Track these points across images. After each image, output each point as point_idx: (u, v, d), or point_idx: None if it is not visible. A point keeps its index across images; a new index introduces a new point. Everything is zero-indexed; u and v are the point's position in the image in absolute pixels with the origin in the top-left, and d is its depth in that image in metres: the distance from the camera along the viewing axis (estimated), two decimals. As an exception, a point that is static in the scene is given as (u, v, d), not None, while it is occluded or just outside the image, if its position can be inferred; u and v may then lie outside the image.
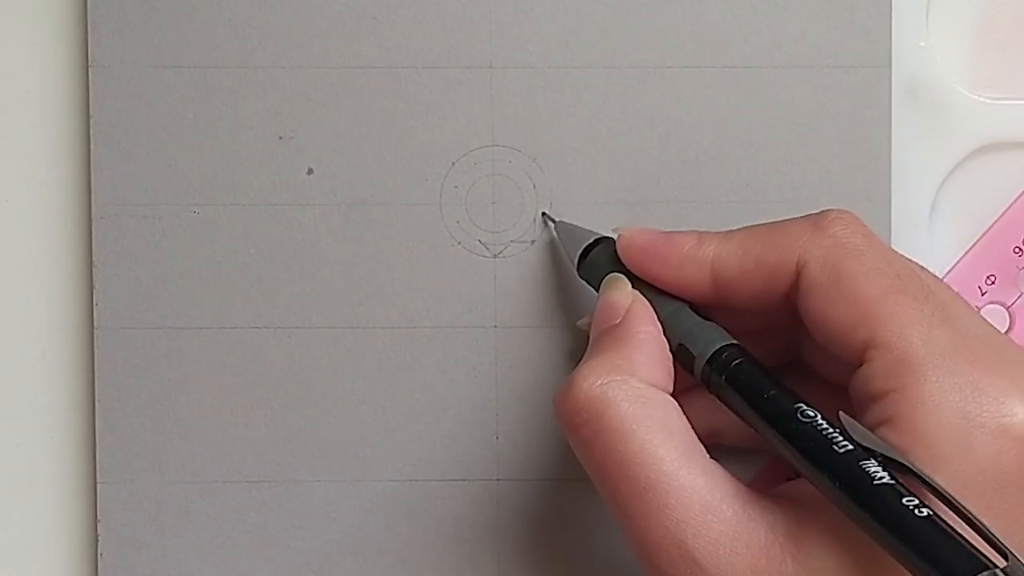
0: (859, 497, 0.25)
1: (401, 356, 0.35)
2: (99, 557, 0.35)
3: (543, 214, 0.35)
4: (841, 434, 0.26)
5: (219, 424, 0.35)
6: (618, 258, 0.32)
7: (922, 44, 0.36)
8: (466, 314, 0.35)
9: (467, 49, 0.35)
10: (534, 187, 0.35)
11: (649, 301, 0.30)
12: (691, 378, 0.30)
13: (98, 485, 0.35)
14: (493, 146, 0.35)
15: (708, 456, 0.28)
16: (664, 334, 0.30)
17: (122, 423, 0.35)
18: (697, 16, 0.35)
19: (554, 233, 0.34)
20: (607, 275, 0.31)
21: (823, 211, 0.29)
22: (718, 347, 0.29)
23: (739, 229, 0.30)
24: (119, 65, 0.35)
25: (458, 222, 0.35)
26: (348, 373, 0.35)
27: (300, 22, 0.35)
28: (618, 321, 0.29)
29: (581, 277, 0.33)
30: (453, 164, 0.35)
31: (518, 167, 0.35)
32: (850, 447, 0.26)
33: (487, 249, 0.35)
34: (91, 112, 0.35)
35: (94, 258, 0.35)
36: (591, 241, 0.33)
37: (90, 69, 0.35)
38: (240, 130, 0.35)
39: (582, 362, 0.29)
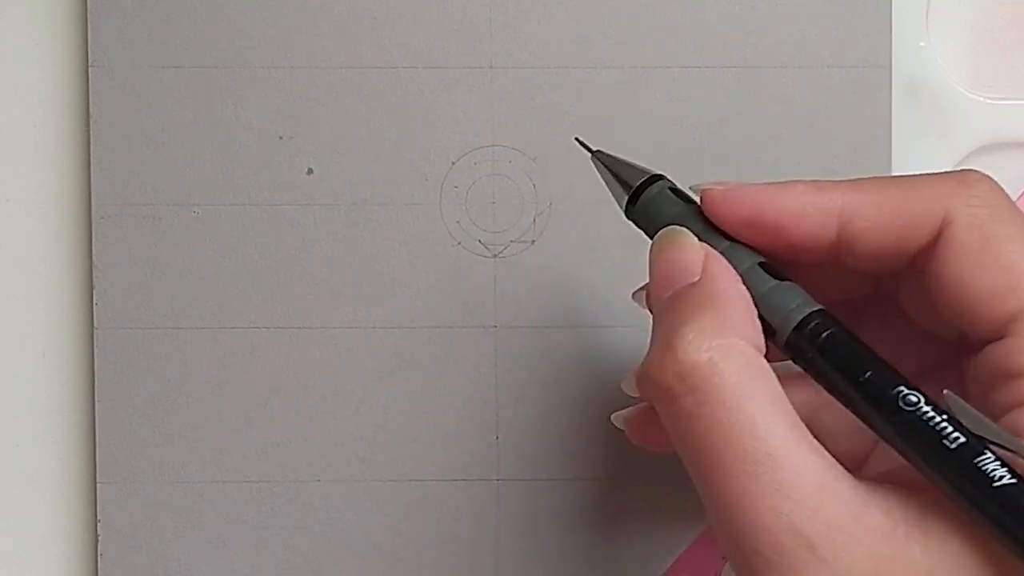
0: (978, 502, 0.23)
1: (401, 356, 0.35)
2: (99, 557, 0.35)
3: (576, 139, 0.31)
4: (950, 422, 0.24)
5: (219, 424, 0.35)
6: (680, 199, 0.28)
7: (922, 44, 0.36)
8: (466, 314, 0.35)
9: (467, 49, 0.35)
10: (534, 187, 0.35)
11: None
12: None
13: (98, 485, 0.35)
14: (493, 146, 0.35)
15: (812, 436, 0.25)
16: None
17: (122, 423, 0.35)
18: (697, 16, 0.35)
19: (592, 164, 0.30)
20: (664, 228, 0.28)
21: (966, 170, 0.27)
22: (805, 315, 0.26)
23: (867, 179, 0.27)
24: (119, 65, 0.35)
25: (458, 222, 0.35)
26: (348, 373, 0.35)
27: (300, 22, 0.35)
28: (696, 279, 0.26)
29: (629, 219, 0.29)
30: (453, 164, 0.35)
31: (518, 167, 0.35)
32: (963, 440, 0.23)
33: (487, 249, 0.35)
34: (91, 112, 0.35)
35: (94, 258, 0.35)
36: (643, 180, 0.29)
37: (90, 69, 0.35)
38: (240, 130, 0.35)
39: (670, 326, 0.25)
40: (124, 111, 0.35)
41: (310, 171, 0.35)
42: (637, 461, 0.35)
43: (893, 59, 0.35)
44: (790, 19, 0.35)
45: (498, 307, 0.35)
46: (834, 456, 0.24)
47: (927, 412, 0.24)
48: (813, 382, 0.26)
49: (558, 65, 0.35)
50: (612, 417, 0.31)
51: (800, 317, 0.26)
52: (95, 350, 0.35)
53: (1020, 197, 0.36)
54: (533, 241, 0.35)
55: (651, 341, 0.26)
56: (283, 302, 0.35)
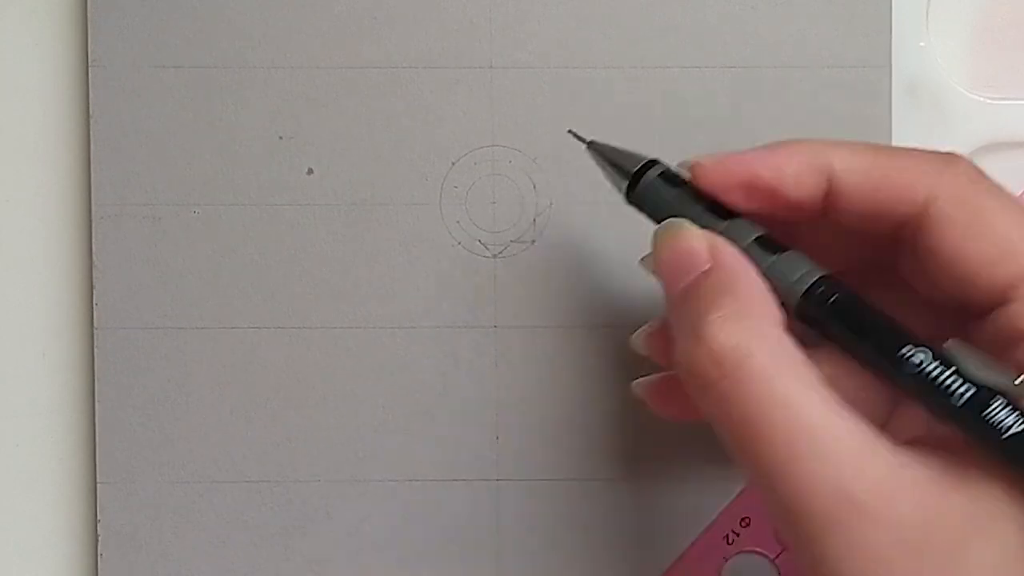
0: (994, 451, 0.24)
1: (401, 356, 0.35)
2: (99, 557, 0.35)
3: (570, 131, 0.32)
4: (957, 374, 0.25)
5: (219, 424, 0.35)
6: (676, 182, 0.29)
7: (922, 44, 0.36)
8: (466, 314, 0.35)
9: (467, 49, 0.35)
10: (534, 187, 0.35)
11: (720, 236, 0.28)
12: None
13: (98, 485, 0.35)
14: (493, 146, 0.35)
15: (844, 404, 0.26)
16: None
17: (122, 423, 0.35)
18: (697, 16, 0.35)
19: (589, 155, 0.31)
20: (665, 219, 0.28)
21: (950, 152, 0.28)
22: (813, 280, 0.27)
23: (858, 142, 0.28)
24: (119, 65, 0.35)
25: (458, 222, 0.35)
26: (348, 373, 0.35)
27: (300, 22, 0.35)
28: (707, 267, 0.27)
29: (631, 203, 0.30)
30: (453, 164, 0.35)
31: (518, 167, 0.35)
32: (968, 394, 0.24)
33: (487, 249, 0.35)
34: (91, 112, 0.35)
35: (94, 258, 0.35)
36: (640, 166, 0.29)
37: (90, 69, 0.35)
38: (240, 130, 0.35)
39: (695, 316, 0.26)
40: (124, 111, 0.35)
41: (310, 171, 0.35)
42: (637, 461, 0.35)
43: (893, 59, 0.35)
44: (790, 19, 0.35)
45: (498, 307, 0.35)
46: None
47: (932, 370, 0.25)
48: (828, 351, 0.27)
49: (558, 65, 0.35)
50: (632, 386, 0.32)
51: (807, 285, 0.27)
52: (95, 350, 0.35)
53: (1020, 196, 0.36)
54: (533, 241, 0.35)
55: (676, 332, 0.27)
56: (283, 302, 0.35)
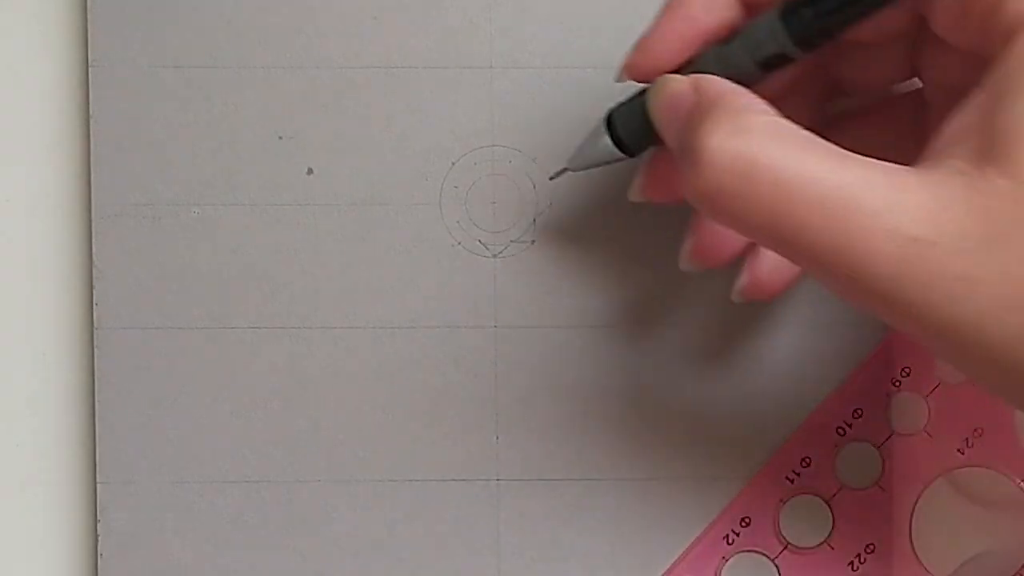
0: None
1: (401, 356, 0.35)
2: (99, 557, 0.35)
3: (551, 178, 0.34)
4: None
5: (219, 424, 0.35)
6: (633, 100, 0.30)
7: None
8: (466, 314, 0.35)
9: (467, 49, 0.35)
10: (534, 187, 0.35)
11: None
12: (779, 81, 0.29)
13: (98, 485, 0.35)
14: (493, 146, 0.35)
15: (857, 155, 0.25)
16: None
17: (122, 423, 0.35)
18: (697, 16, 0.35)
19: (573, 167, 0.33)
20: (640, 94, 0.30)
21: None
22: (779, 13, 0.27)
23: None
24: (119, 65, 0.35)
25: (458, 222, 0.35)
26: (348, 373, 0.35)
27: (300, 22, 0.35)
28: (693, 98, 0.27)
29: (628, 153, 0.31)
30: (453, 164, 0.35)
31: (518, 167, 0.35)
32: None
33: (487, 249, 0.35)
34: (91, 112, 0.35)
35: (94, 258, 0.35)
36: (605, 119, 0.31)
37: (90, 69, 0.35)
38: (240, 130, 0.35)
39: (689, 142, 0.26)
40: (124, 111, 0.35)
41: (310, 171, 0.35)
42: (637, 461, 0.35)
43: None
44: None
45: (498, 307, 0.35)
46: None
47: None
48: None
49: (558, 65, 0.35)
50: (629, 195, 0.32)
51: (777, 17, 0.27)
52: (95, 350, 0.35)
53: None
54: (533, 241, 0.35)
55: (684, 171, 0.26)
56: (283, 302, 0.35)
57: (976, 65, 0.26)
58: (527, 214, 0.35)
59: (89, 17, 0.35)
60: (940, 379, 0.35)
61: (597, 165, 0.32)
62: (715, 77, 0.28)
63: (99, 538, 0.35)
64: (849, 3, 0.27)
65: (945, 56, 0.28)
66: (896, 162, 0.25)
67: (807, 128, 0.26)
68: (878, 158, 0.26)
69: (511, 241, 0.35)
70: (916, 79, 0.30)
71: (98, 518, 0.35)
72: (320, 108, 0.35)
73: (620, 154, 0.31)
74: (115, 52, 0.35)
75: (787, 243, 0.25)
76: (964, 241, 0.24)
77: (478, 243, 0.35)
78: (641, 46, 0.29)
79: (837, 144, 0.26)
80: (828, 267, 0.25)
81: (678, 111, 0.28)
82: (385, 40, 0.35)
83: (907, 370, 0.35)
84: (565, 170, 0.33)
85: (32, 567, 0.36)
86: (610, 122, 0.31)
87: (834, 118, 0.32)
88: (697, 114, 0.26)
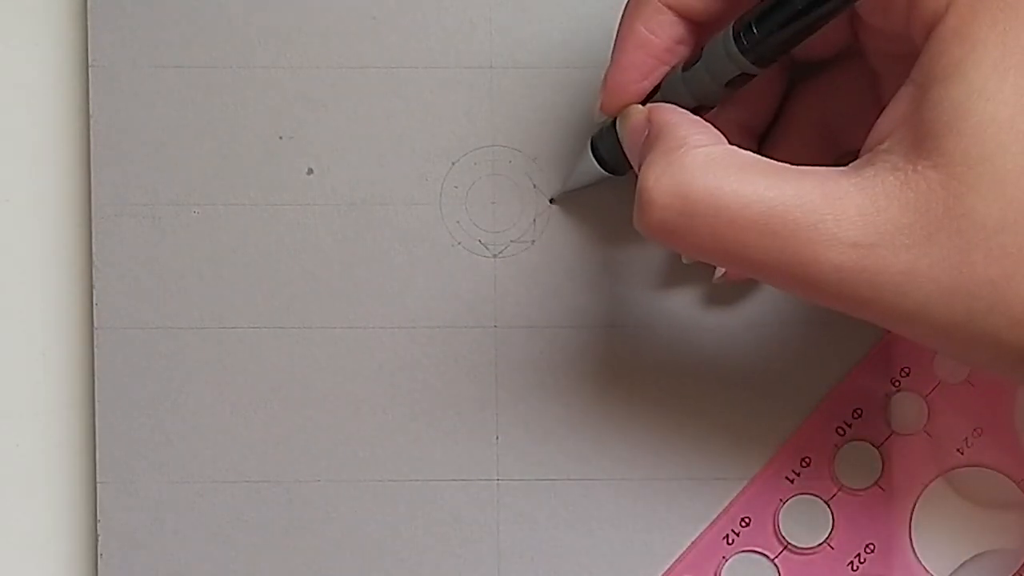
0: None
1: (401, 356, 0.35)
2: (99, 557, 0.35)
3: (550, 200, 0.35)
4: None
5: (219, 424, 0.35)
6: (610, 128, 0.31)
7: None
8: (466, 314, 0.35)
9: (467, 49, 0.35)
10: (534, 187, 0.35)
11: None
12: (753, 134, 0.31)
13: (98, 485, 0.35)
14: (493, 146, 0.35)
15: (793, 166, 0.27)
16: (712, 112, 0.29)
17: (122, 423, 0.35)
18: (697, 16, 0.35)
19: (567, 189, 0.34)
20: (603, 126, 0.31)
21: None
22: (730, 33, 0.28)
23: None
24: (119, 65, 0.35)
25: (458, 222, 0.35)
26: (348, 373, 0.35)
27: (300, 22, 0.35)
28: (647, 131, 0.28)
29: (617, 173, 0.33)
30: (453, 164, 0.35)
31: (518, 167, 0.35)
32: None
33: (487, 249, 0.35)
34: (91, 112, 0.35)
35: (94, 258, 0.35)
36: (589, 145, 0.33)
37: (90, 69, 0.35)
38: (240, 130, 0.35)
39: (639, 175, 0.27)
40: (124, 111, 0.35)
41: (310, 171, 0.35)
42: (637, 461, 0.35)
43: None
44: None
45: (498, 307, 0.35)
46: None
47: None
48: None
49: (558, 65, 0.35)
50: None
51: (729, 36, 0.28)
52: (95, 350, 0.35)
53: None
54: (533, 241, 0.35)
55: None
56: (283, 302, 0.35)
57: (905, 36, 0.27)
58: (527, 214, 0.35)
59: (89, 17, 0.35)
60: (940, 379, 0.35)
61: (589, 184, 0.33)
62: (666, 106, 0.29)
63: (99, 538, 0.35)
64: (792, 18, 0.27)
65: (881, 35, 0.29)
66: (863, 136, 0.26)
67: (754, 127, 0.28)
68: (846, 134, 0.27)
69: (511, 241, 0.35)
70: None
71: (98, 518, 0.35)
72: (320, 108, 0.35)
73: (607, 174, 0.33)
74: (115, 52, 0.35)
75: (735, 263, 0.26)
76: (903, 238, 0.25)
77: (478, 243, 0.35)
78: (606, 83, 0.30)
79: (803, 118, 0.27)
80: (778, 279, 0.26)
81: (637, 143, 0.29)
82: (385, 40, 0.35)
83: (907, 370, 0.35)
84: (562, 193, 0.35)
85: (32, 567, 0.36)
86: (594, 145, 0.32)
87: (800, 88, 0.32)
88: (644, 149, 0.28)
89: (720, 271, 0.33)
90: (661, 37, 0.29)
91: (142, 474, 0.35)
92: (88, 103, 0.35)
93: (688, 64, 0.29)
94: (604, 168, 0.33)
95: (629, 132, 0.30)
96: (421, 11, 0.35)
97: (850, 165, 0.26)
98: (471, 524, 0.35)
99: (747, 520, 0.35)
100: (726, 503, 0.35)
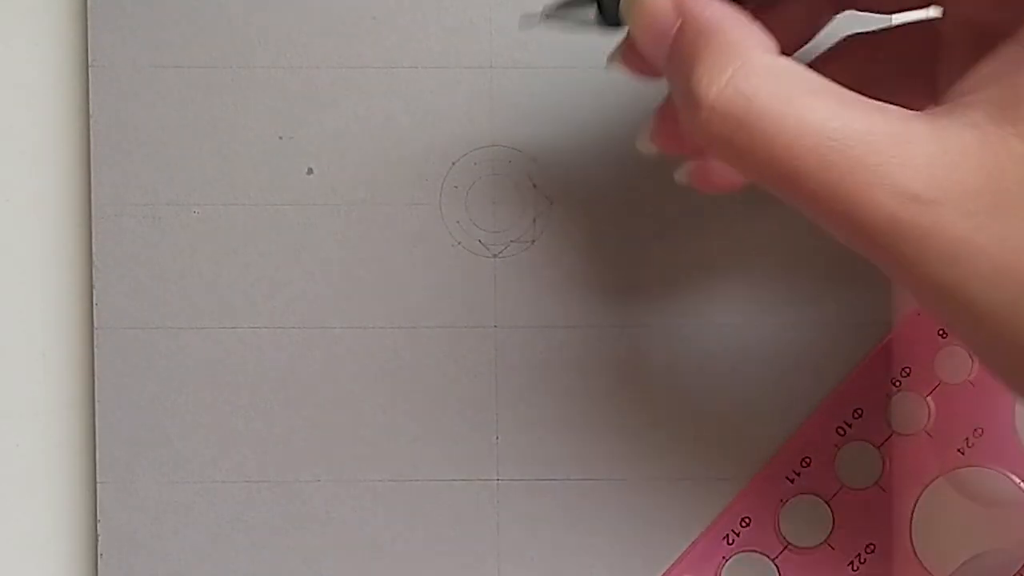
0: None
1: (401, 356, 0.35)
2: (99, 557, 0.35)
3: (520, 20, 0.33)
4: None
5: (219, 424, 0.35)
6: None
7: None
8: (466, 314, 0.35)
9: (467, 49, 0.35)
10: (534, 187, 0.35)
11: None
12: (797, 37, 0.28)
13: (98, 485, 0.35)
14: (493, 146, 0.35)
15: (863, 96, 0.24)
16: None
17: (122, 423, 0.35)
18: (697, 16, 0.35)
19: (548, 18, 0.29)
20: None
21: None
22: None
23: None
24: (119, 65, 0.35)
25: (458, 222, 0.35)
26: (348, 373, 0.35)
27: (300, 22, 0.35)
28: (679, 23, 0.26)
29: (608, 23, 0.28)
30: (453, 164, 0.35)
31: (518, 167, 0.35)
32: None
33: (487, 249, 0.35)
34: (91, 112, 0.35)
35: (94, 258, 0.35)
36: None
37: (90, 69, 0.35)
38: (240, 130, 0.35)
39: (684, 79, 0.25)
40: (124, 111, 0.35)
41: (310, 171, 0.35)
42: (637, 461, 0.35)
43: (893, 59, 0.35)
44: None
45: (498, 307, 0.35)
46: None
47: None
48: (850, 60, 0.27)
49: (558, 65, 0.35)
50: (638, 145, 0.30)
51: None
52: (95, 350, 0.35)
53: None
54: (533, 241, 0.35)
55: (679, 106, 0.25)
56: (283, 302, 0.35)
57: (1006, 5, 0.25)
58: (527, 214, 0.35)
59: (89, 17, 0.35)
60: (941, 379, 0.35)
61: (571, 24, 0.29)
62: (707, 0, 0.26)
63: (99, 538, 0.35)
64: None
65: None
66: (904, 101, 0.24)
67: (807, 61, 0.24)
68: (886, 95, 0.24)
69: (511, 241, 0.35)
70: (934, 8, 0.29)
71: (98, 518, 0.35)
72: (320, 108, 0.35)
73: (599, 22, 0.29)
74: (115, 52, 0.35)
75: (786, 189, 0.24)
76: (968, 203, 0.23)
77: (478, 243, 0.35)
78: None
79: (842, 77, 0.24)
80: (827, 215, 0.24)
81: (663, 38, 0.26)
82: (385, 40, 0.35)
83: (907, 370, 0.35)
84: (535, 16, 0.30)
85: (32, 567, 0.36)
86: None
87: (844, 48, 0.30)
88: (688, 51, 0.25)
89: (686, 168, 0.31)
90: None
91: (142, 474, 0.35)
92: (88, 103, 0.35)
93: None
94: (604, 19, 0.28)
95: (648, 23, 0.26)
96: (421, 11, 0.35)
97: (925, 111, 0.24)
98: (471, 524, 0.35)
99: (747, 520, 0.35)
100: (726, 503, 0.35)
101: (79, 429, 0.36)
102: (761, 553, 0.35)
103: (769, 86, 0.24)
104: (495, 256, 0.35)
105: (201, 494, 0.35)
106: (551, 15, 0.29)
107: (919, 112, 0.24)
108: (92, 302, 0.35)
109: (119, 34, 0.35)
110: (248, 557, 0.35)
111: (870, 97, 0.25)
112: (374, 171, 0.35)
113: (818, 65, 0.29)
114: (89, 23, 0.35)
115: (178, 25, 0.35)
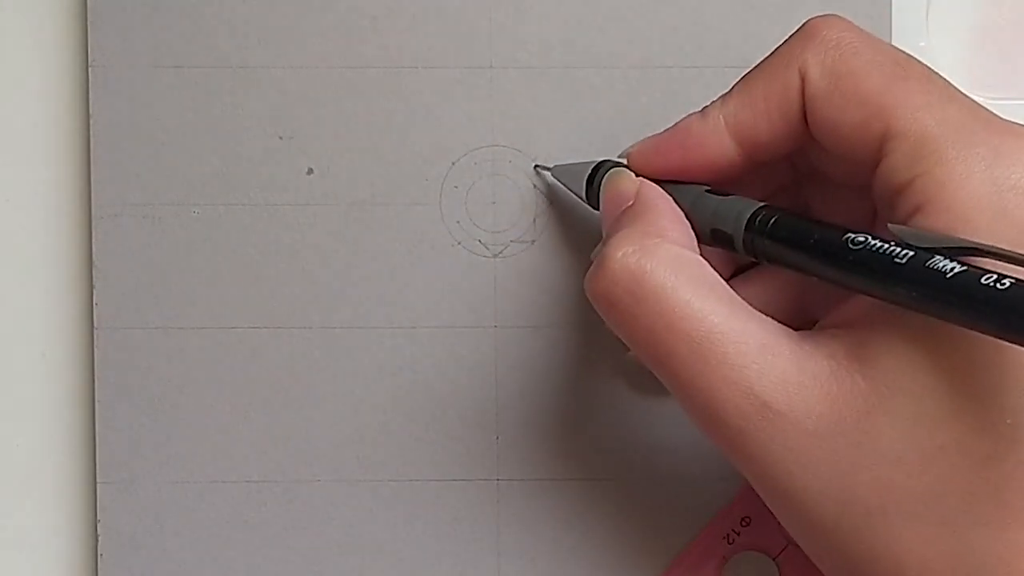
0: (940, 296, 0.24)
1: (401, 356, 0.35)
2: (99, 557, 0.35)
3: (535, 167, 0.35)
4: (897, 245, 0.25)
5: (219, 424, 0.35)
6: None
7: (922, 44, 0.36)
8: (466, 314, 0.35)
9: (467, 49, 0.35)
10: (534, 187, 0.35)
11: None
12: (733, 262, 0.31)
13: (98, 485, 0.35)
14: (493, 146, 0.35)
15: (750, 306, 0.27)
16: (692, 227, 0.29)
17: (122, 423, 0.35)
18: (696, 16, 0.35)
19: (551, 179, 0.34)
20: (608, 171, 0.31)
21: (806, 22, 0.29)
22: (751, 212, 0.28)
23: (740, 79, 0.29)
24: (119, 65, 0.35)
25: (458, 222, 0.35)
26: (348, 373, 0.35)
27: (300, 22, 0.35)
28: (631, 203, 0.29)
29: (591, 205, 0.32)
30: (453, 164, 0.35)
31: (518, 167, 0.35)
32: (910, 254, 0.25)
33: (487, 249, 0.35)
34: (91, 112, 0.35)
35: (94, 258, 0.35)
36: (594, 166, 0.32)
37: (90, 69, 0.35)
38: (240, 130, 0.35)
39: (605, 241, 0.28)
40: (124, 111, 0.35)
41: (310, 171, 0.35)
42: (637, 461, 0.35)
43: (893, 59, 0.35)
44: (790, 19, 0.35)
45: (498, 307, 0.35)
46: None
47: (874, 244, 0.25)
48: (764, 275, 0.30)
49: (558, 65, 0.35)
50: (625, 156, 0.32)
51: (747, 216, 0.28)
52: (95, 350, 0.35)
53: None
54: (533, 241, 0.35)
55: (593, 258, 0.28)
56: (283, 302, 0.35)
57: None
58: (527, 214, 0.35)
59: (89, 17, 0.35)
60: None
61: (571, 189, 0.33)
62: (658, 189, 0.29)
63: (99, 538, 0.35)
64: (793, 238, 0.27)
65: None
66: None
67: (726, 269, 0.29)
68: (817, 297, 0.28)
69: (511, 241, 0.35)
70: None
71: (98, 518, 0.35)
72: (320, 108, 0.35)
73: (585, 200, 0.33)
74: (115, 52, 0.35)
75: (659, 367, 0.27)
76: (810, 422, 0.25)
77: (478, 243, 0.35)
78: (646, 147, 0.31)
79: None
80: (688, 400, 0.26)
81: (616, 208, 0.29)
82: (385, 40, 0.35)
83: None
84: (548, 169, 0.34)
85: (32, 567, 0.36)
86: (596, 171, 0.32)
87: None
88: (624, 217, 0.28)
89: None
90: (708, 151, 0.29)
91: (142, 474, 0.35)
92: (88, 103, 0.35)
93: (712, 189, 0.29)
94: (589, 198, 0.32)
95: (612, 194, 0.30)
96: (421, 11, 0.35)
97: (800, 332, 0.27)
98: (471, 524, 0.35)
99: (747, 520, 0.35)
100: (726, 503, 0.35)
101: (79, 429, 0.36)
102: (762, 552, 0.35)
103: (671, 269, 0.26)
104: (495, 256, 0.35)
105: (201, 494, 0.35)
106: (557, 176, 0.34)
107: (790, 331, 0.26)
108: (92, 302, 0.35)
109: (119, 34, 0.35)
110: (248, 557, 0.35)
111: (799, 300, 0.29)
112: (374, 171, 0.35)
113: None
114: (89, 23, 0.35)
115: (178, 25, 0.35)
